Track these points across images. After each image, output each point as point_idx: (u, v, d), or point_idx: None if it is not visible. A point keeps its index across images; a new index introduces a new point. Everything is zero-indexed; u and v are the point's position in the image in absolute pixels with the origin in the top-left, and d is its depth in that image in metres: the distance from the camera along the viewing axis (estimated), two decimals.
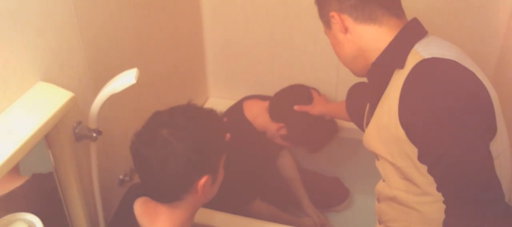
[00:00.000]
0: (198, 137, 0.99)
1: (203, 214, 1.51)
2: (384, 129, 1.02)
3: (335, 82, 1.87)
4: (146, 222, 1.06)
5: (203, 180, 1.00)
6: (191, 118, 1.02)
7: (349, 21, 1.04)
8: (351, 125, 1.54)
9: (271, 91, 1.74)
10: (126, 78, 1.08)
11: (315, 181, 1.98)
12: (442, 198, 0.92)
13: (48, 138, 1.04)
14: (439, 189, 0.93)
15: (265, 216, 1.71)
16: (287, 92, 1.71)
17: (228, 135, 1.42)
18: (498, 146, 0.94)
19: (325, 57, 1.80)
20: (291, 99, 1.66)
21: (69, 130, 1.14)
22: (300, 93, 1.70)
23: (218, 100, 2.05)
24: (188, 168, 0.98)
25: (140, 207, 1.08)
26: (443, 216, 0.93)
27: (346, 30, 1.05)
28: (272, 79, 1.91)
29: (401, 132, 0.96)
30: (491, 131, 0.94)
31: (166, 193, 1.03)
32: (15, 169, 0.99)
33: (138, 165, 1.02)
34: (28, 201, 1.05)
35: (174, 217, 1.05)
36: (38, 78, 1.02)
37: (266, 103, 1.70)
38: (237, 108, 1.74)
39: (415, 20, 1.05)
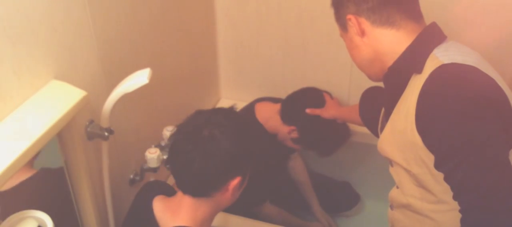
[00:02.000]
0: (241, 137, 1.03)
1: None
2: (400, 134, 1.00)
3: (347, 86, 1.85)
4: (168, 216, 1.07)
5: (236, 181, 1.03)
6: (234, 119, 1.05)
7: (366, 25, 1.03)
8: (363, 129, 1.52)
9: (283, 94, 1.73)
10: (139, 78, 1.08)
11: (325, 185, 1.97)
12: (458, 207, 0.91)
13: (60, 136, 1.04)
14: (455, 197, 0.91)
15: (274, 219, 1.70)
16: (299, 95, 1.70)
17: None
18: None
19: (338, 60, 1.79)
20: (303, 102, 1.64)
21: (81, 129, 1.14)
22: (312, 96, 1.69)
23: (230, 102, 2.04)
24: (228, 165, 1.01)
25: (161, 204, 1.09)
26: (458, 225, 0.91)
27: (363, 33, 1.04)
28: (284, 81, 1.90)
29: (417, 138, 0.95)
30: (511, 139, 0.92)
31: (199, 187, 1.04)
32: (30, 163, 1.00)
33: (175, 156, 1.04)
34: (38, 197, 1.05)
35: (198, 212, 1.06)
36: (52, 76, 1.02)
37: (277, 106, 1.69)
38: (248, 110, 1.73)
39: (434, 25, 1.03)
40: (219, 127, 1.01)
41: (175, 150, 1.04)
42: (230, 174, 1.03)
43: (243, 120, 1.10)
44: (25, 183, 1.02)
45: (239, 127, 1.04)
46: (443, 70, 0.92)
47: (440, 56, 0.95)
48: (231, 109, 1.10)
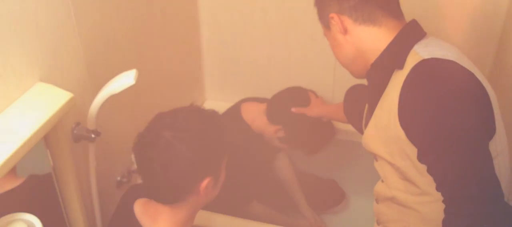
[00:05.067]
0: (200, 139, 0.99)
1: (201, 216, 1.50)
2: (384, 129, 1.02)
3: (332, 85, 1.87)
4: (147, 222, 1.06)
5: (205, 182, 1.00)
6: (193, 120, 1.02)
7: (348, 22, 1.05)
8: (348, 127, 1.54)
9: (268, 94, 1.74)
10: (126, 79, 1.08)
11: (311, 183, 1.98)
12: (441, 198, 0.93)
13: (46, 138, 1.04)
14: (438, 188, 0.93)
15: (262, 217, 1.70)
16: (284, 95, 1.71)
17: None
18: (497, 146, 0.95)
19: (322, 59, 1.81)
20: (288, 102, 1.66)
21: (68, 131, 1.14)
22: (298, 95, 1.70)
23: (215, 103, 2.05)
24: (191, 171, 0.98)
25: (140, 208, 1.08)
26: (442, 216, 0.93)
27: (345, 31, 1.06)
28: (270, 81, 1.92)
29: (400, 132, 0.97)
30: (490, 130, 0.95)
31: (168, 195, 1.02)
32: (14, 169, 0.99)
33: (141, 166, 1.02)
34: (26, 201, 1.05)
35: (176, 218, 1.05)
36: (37, 79, 1.02)
37: (263, 106, 1.70)
38: (234, 111, 1.74)
39: (414, 22, 1.06)
40: (178, 132, 0.97)
41: (138, 158, 1.01)
42: (195, 178, 1.00)
43: (205, 118, 1.04)
44: (15, 189, 1.01)
45: (200, 127, 1.00)
46: (424, 65, 0.94)
47: (420, 52, 0.97)
48: (192, 108, 1.06)
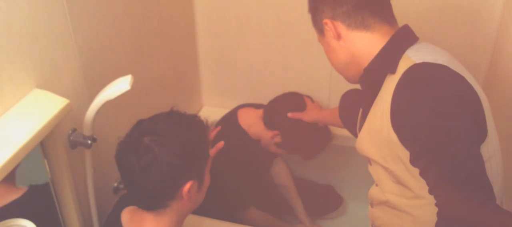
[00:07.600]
0: (180, 143, 0.99)
1: (197, 222, 1.52)
2: (377, 133, 1.03)
3: (328, 90, 1.88)
4: None
5: (187, 186, 1.00)
6: (173, 124, 1.02)
7: (342, 28, 1.06)
8: (344, 132, 1.55)
9: (265, 100, 1.75)
10: (121, 85, 1.09)
11: (309, 188, 1.99)
12: (434, 201, 0.93)
13: (43, 145, 1.05)
14: (431, 192, 0.94)
15: (259, 223, 1.71)
16: (280, 100, 1.72)
17: (222, 142, 1.43)
18: (489, 149, 0.96)
19: (318, 65, 1.82)
20: (284, 107, 1.67)
21: (64, 137, 1.14)
22: (294, 100, 1.71)
23: (212, 109, 2.06)
24: (171, 174, 0.98)
25: (127, 216, 1.08)
26: (435, 219, 0.94)
27: (339, 37, 1.07)
28: (266, 87, 1.93)
29: (393, 136, 0.98)
30: (482, 134, 0.95)
31: (150, 201, 1.02)
32: (12, 181, 1.00)
33: (122, 173, 1.02)
34: (24, 209, 1.05)
35: (160, 225, 1.04)
36: (34, 85, 1.03)
37: (260, 112, 1.71)
38: (231, 117, 1.75)
39: (406, 27, 1.07)
40: (157, 136, 0.98)
41: (120, 165, 1.02)
42: (176, 182, 1.00)
43: (185, 122, 1.04)
44: (13, 202, 1.02)
45: (179, 131, 1.00)
46: (415, 69, 0.95)
47: (412, 57, 0.98)
48: (171, 113, 1.06)
